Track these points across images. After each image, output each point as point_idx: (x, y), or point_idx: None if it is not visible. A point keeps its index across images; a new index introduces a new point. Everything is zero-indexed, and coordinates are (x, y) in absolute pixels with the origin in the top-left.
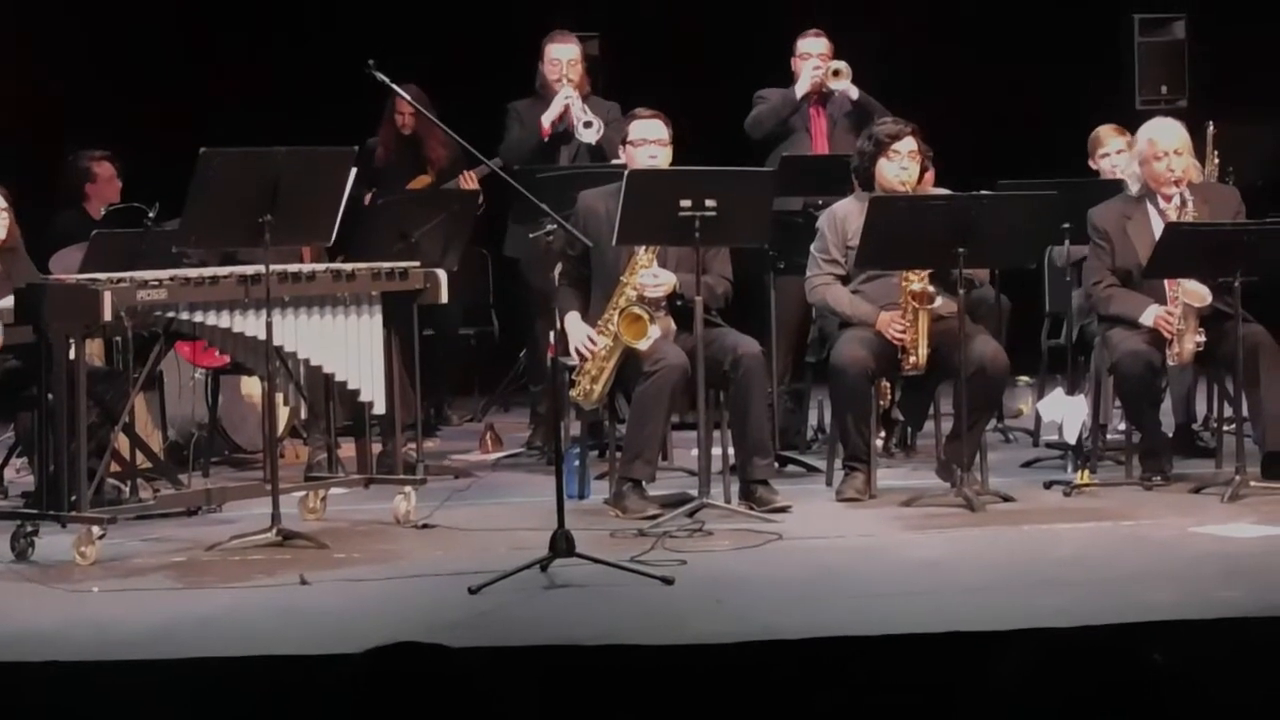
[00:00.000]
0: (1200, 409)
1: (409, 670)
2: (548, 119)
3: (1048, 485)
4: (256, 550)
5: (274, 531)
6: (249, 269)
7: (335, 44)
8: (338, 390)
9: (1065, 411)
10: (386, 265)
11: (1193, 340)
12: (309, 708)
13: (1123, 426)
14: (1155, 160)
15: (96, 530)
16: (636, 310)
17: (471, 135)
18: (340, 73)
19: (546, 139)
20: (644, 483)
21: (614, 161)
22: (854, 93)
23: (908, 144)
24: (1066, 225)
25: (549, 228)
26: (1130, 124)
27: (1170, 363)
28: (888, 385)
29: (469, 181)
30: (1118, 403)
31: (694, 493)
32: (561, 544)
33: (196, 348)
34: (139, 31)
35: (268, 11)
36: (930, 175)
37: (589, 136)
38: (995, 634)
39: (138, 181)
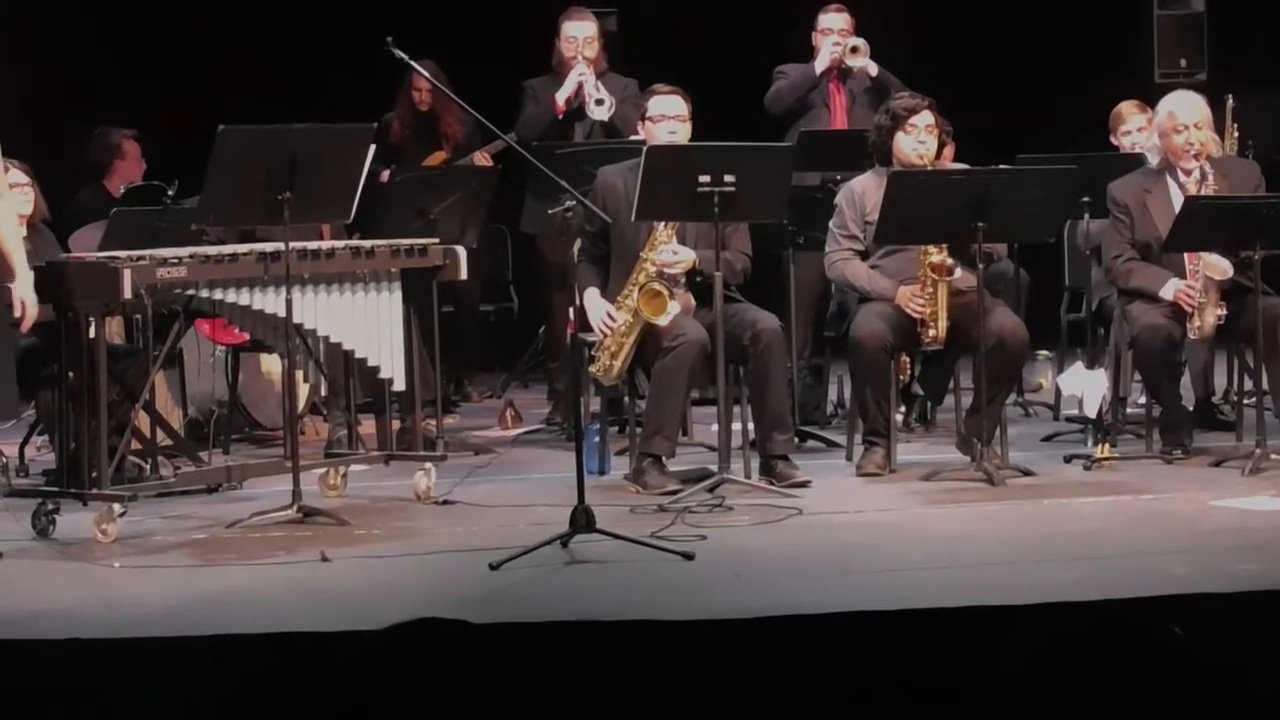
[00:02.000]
0: (1220, 382)
1: (431, 646)
2: (562, 96)
3: (1068, 459)
4: (277, 527)
5: (294, 508)
6: (268, 246)
7: (351, 22)
8: (357, 367)
9: (1085, 385)
10: (405, 242)
11: (1214, 314)
12: (329, 684)
13: (1143, 400)
14: (1175, 133)
15: (117, 508)
16: (656, 286)
17: (488, 113)
18: (356, 51)
19: (561, 116)
20: (664, 458)
21: (633, 137)
22: (873, 69)
23: (925, 118)
24: (1086, 199)
25: (568, 204)
26: (1150, 97)
27: (1191, 336)
28: (907, 360)
29: (482, 159)
30: (1137, 376)
31: (714, 468)
32: (581, 520)
33: (216, 325)
34: (153, 9)
35: None
36: (950, 150)
37: (601, 114)
38: (1015, 608)
39: (154, 161)
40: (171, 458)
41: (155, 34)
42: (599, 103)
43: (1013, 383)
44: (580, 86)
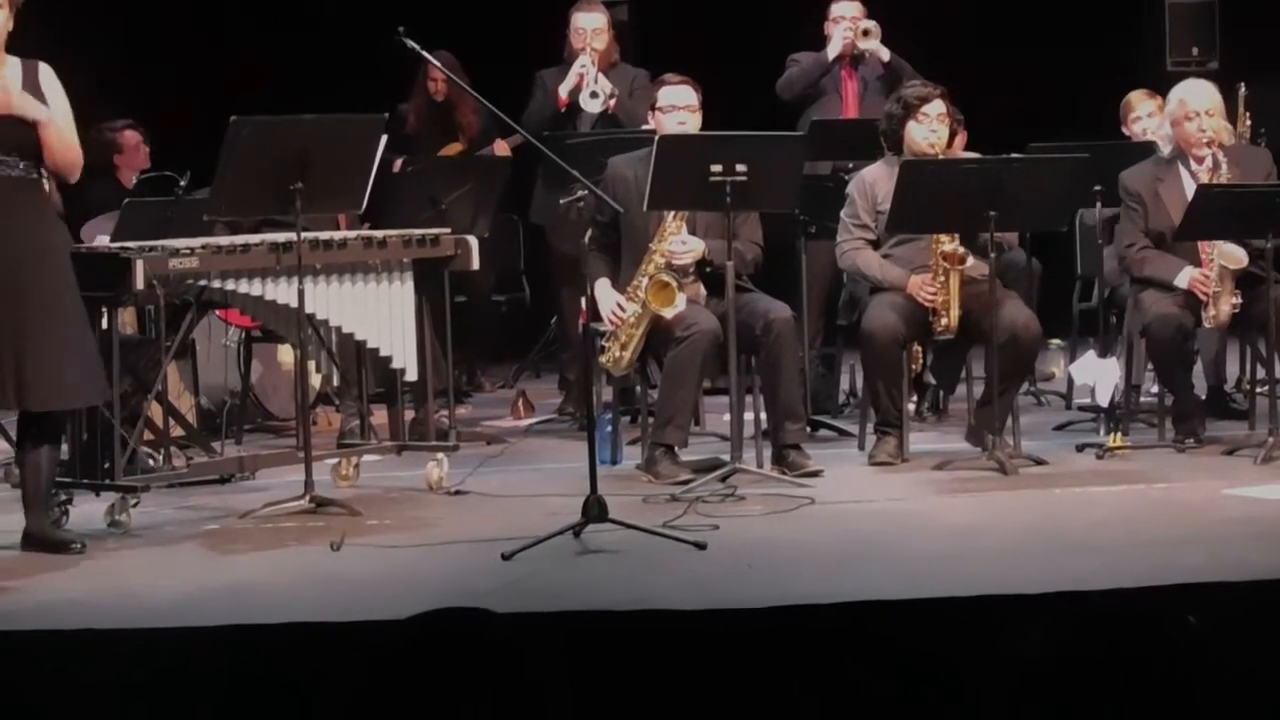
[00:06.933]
0: (1232, 371)
1: (454, 635)
2: (564, 88)
3: (1080, 448)
4: (289, 518)
5: (307, 499)
6: (280, 236)
7: (364, 14)
8: (370, 357)
9: (1097, 374)
10: (417, 232)
11: (1229, 303)
12: (342, 675)
13: (1155, 389)
14: (1186, 121)
15: (130, 499)
16: (664, 277)
17: (503, 104)
18: (368, 43)
19: (563, 109)
20: (676, 448)
21: (644, 127)
22: (884, 54)
23: (936, 107)
24: (1098, 188)
25: (579, 194)
26: (1161, 86)
27: (1206, 325)
28: (919, 349)
29: (502, 149)
30: (1150, 365)
31: (726, 458)
32: (594, 509)
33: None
34: (165, 2)
35: None
36: (961, 139)
37: (594, 107)
38: (1027, 597)
39: (166, 152)
40: (184, 448)
41: (167, 26)
42: (593, 95)
43: (1024, 376)
44: (581, 78)
